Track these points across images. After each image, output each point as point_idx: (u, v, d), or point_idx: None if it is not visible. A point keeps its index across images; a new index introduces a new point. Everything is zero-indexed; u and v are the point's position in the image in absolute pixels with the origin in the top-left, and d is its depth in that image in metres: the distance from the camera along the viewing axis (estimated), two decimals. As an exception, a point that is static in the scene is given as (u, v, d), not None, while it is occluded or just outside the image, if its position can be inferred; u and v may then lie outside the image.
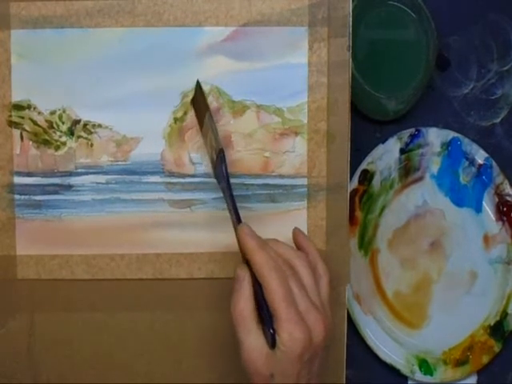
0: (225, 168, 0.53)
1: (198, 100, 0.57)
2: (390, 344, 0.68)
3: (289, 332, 0.48)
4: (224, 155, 0.53)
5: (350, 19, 0.58)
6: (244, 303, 0.50)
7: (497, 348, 0.68)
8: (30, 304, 0.59)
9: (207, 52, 0.58)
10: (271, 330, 0.48)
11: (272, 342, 0.48)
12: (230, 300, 0.50)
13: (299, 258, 0.52)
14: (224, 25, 0.58)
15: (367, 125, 0.68)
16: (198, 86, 0.57)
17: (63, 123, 0.59)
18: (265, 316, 0.49)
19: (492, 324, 0.68)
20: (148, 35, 0.58)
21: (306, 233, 0.59)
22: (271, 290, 0.49)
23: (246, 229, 0.52)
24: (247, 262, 0.51)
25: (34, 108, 0.58)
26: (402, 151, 0.67)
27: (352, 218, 0.66)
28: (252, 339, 0.49)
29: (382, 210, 0.68)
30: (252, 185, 0.59)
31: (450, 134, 0.68)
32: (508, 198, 0.68)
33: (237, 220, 0.53)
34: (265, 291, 0.49)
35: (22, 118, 0.58)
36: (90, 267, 0.59)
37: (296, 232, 0.56)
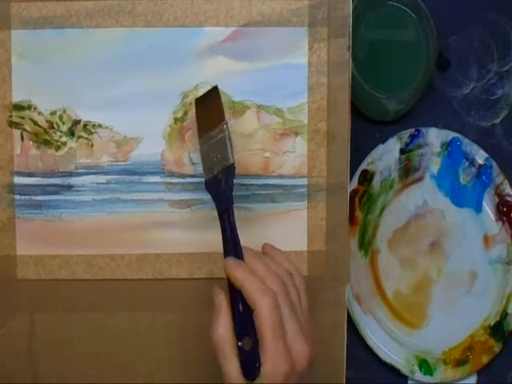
0: (231, 185, 0.52)
1: (209, 105, 0.55)
2: (389, 344, 0.68)
3: (273, 364, 0.47)
4: (234, 171, 0.52)
5: (350, 19, 0.58)
6: (222, 330, 0.49)
7: (497, 348, 0.68)
8: (30, 304, 0.59)
9: (207, 52, 0.59)
10: (257, 364, 0.48)
11: (252, 375, 0.48)
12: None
13: (287, 276, 0.51)
14: (224, 25, 0.58)
15: (367, 125, 0.68)
16: (216, 91, 0.55)
17: (63, 123, 0.59)
18: (245, 345, 0.48)
19: (492, 324, 0.68)
20: (148, 35, 0.58)
21: (306, 233, 0.59)
22: (263, 317, 0.48)
23: (230, 261, 0.50)
24: (231, 287, 0.50)
25: (35, 108, 0.58)
26: (402, 151, 0.67)
27: (352, 218, 0.66)
28: (230, 366, 0.49)
29: (382, 210, 0.68)
30: (252, 185, 0.59)
31: (450, 134, 0.68)
32: (508, 198, 0.68)
33: (233, 251, 0.51)
34: (256, 318, 0.48)
35: (23, 118, 0.58)
36: (90, 267, 0.59)
37: (266, 247, 0.54)
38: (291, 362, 0.48)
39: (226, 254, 0.51)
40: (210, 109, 0.55)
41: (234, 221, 0.52)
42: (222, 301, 0.50)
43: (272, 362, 0.47)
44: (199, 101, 0.57)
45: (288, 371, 0.48)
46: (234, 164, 0.52)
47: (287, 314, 0.49)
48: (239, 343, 0.49)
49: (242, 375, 0.48)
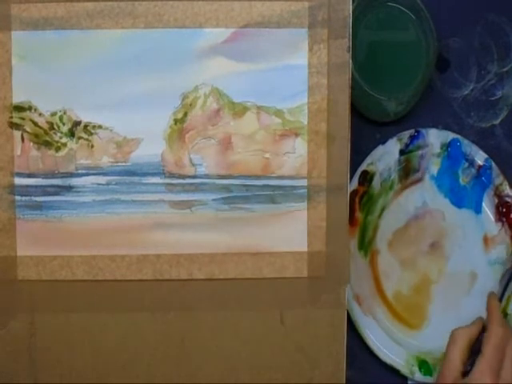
0: None
1: None
2: (389, 345, 0.68)
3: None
4: None
5: (350, 20, 0.58)
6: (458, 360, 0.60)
7: (496, 349, 0.68)
8: (31, 305, 0.59)
9: (207, 53, 0.59)
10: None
11: None
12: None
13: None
14: (224, 26, 0.58)
15: (367, 126, 0.68)
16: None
17: (64, 124, 0.59)
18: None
19: (492, 325, 0.69)
20: (148, 36, 0.58)
21: (306, 234, 0.59)
22: (486, 363, 0.58)
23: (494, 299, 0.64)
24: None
25: (35, 109, 0.58)
26: (402, 152, 0.68)
27: (352, 219, 0.66)
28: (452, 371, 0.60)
29: (382, 210, 0.68)
30: (252, 186, 0.59)
31: (450, 135, 0.68)
32: (507, 199, 0.68)
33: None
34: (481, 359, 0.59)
35: (23, 119, 0.58)
36: (91, 268, 0.59)
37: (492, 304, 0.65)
38: None
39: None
40: None
41: None
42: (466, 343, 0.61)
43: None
44: None
45: None
46: None
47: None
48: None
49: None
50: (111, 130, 0.59)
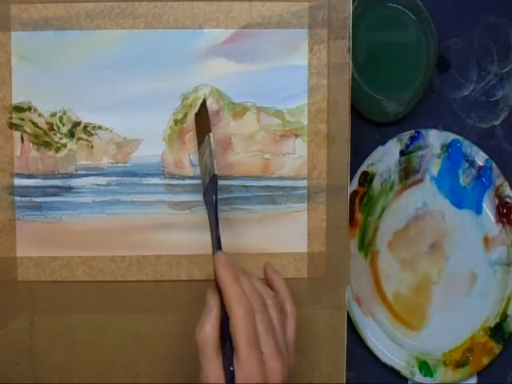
0: (215, 195, 0.53)
1: (202, 117, 0.57)
2: (389, 345, 0.68)
3: (245, 373, 0.47)
4: (217, 181, 0.53)
5: (350, 21, 0.58)
6: (209, 330, 0.49)
7: (497, 349, 0.68)
8: (31, 306, 0.59)
9: (207, 54, 0.59)
10: (231, 368, 0.48)
11: (230, 380, 0.48)
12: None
13: (271, 296, 0.51)
14: (224, 27, 0.58)
15: (367, 127, 0.68)
16: (204, 104, 0.57)
17: (64, 125, 0.59)
18: (226, 350, 0.49)
19: (492, 325, 0.68)
20: (148, 37, 0.58)
21: (306, 234, 0.59)
22: (237, 327, 0.48)
23: (222, 258, 0.51)
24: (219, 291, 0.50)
25: (35, 110, 0.58)
26: (402, 153, 0.67)
27: (352, 220, 0.66)
28: (210, 367, 0.49)
29: (382, 211, 0.68)
30: (252, 187, 0.59)
31: (450, 136, 0.68)
32: (508, 200, 0.68)
33: (216, 247, 0.52)
34: (231, 326, 0.48)
35: (23, 119, 0.58)
36: (91, 269, 0.59)
37: (268, 267, 0.55)
38: (264, 376, 0.48)
39: (217, 248, 0.52)
40: (201, 119, 0.57)
41: (218, 222, 0.53)
42: (214, 301, 0.50)
43: (244, 370, 0.48)
44: (196, 115, 0.58)
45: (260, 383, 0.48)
46: (216, 175, 0.53)
47: (263, 331, 0.49)
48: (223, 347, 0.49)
49: (222, 378, 0.48)
50: (111, 131, 0.59)
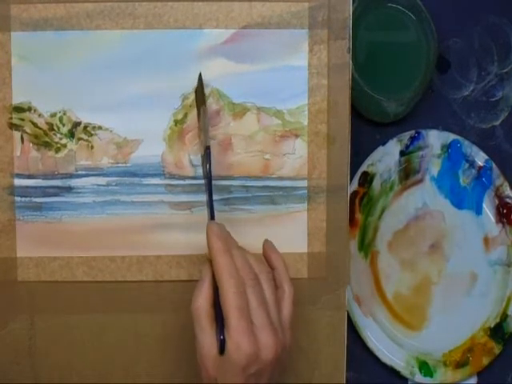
0: (208, 165, 0.54)
1: (198, 91, 0.57)
2: (390, 346, 0.68)
3: (236, 342, 0.48)
4: (210, 153, 0.54)
5: (350, 21, 0.58)
6: (202, 301, 0.50)
7: (497, 350, 0.68)
8: (31, 306, 0.59)
9: (207, 54, 0.59)
10: (221, 337, 0.48)
11: (221, 348, 0.49)
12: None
13: (265, 272, 0.51)
14: (224, 27, 0.58)
15: (367, 127, 0.68)
16: (200, 78, 0.57)
17: (64, 125, 0.59)
18: (218, 320, 0.49)
19: (492, 326, 0.69)
20: (148, 37, 0.58)
21: (306, 235, 0.59)
22: (226, 297, 0.48)
23: (215, 227, 0.51)
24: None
25: (35, 110, 0.58)
26: (402, 153, 0.67)
27: (352, 220, 0.66)
28: (204, 338, 0.49)
29: (382, 212, 0.68)
30: (252, 187, 0.59)
31: (450, 136, 0.68)
32: (508, 200, 0.68)
33: (210, 217, 0.53)
34: (220, 296, 0.49)
35: (23, 120, 0.58)
36: (91, 269, 0.59)
37: (266, 245, 0.55)
38: (255, 348, 0.48)
39: (211, 218, 0.53)
40: (198, 94, 0.57)
41: (212, 191, 0.54)
42: (207, 273, 0.51)
43: (235, 339, 0.48)
44: (195, 90, 0.58)
45: (251, 353, 0.48)
46: (209, 147, 0.54)
47: (255, 303, 0.49)
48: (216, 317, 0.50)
49: (216, 348, 0.49)
50: (111, 131, 0.59)
